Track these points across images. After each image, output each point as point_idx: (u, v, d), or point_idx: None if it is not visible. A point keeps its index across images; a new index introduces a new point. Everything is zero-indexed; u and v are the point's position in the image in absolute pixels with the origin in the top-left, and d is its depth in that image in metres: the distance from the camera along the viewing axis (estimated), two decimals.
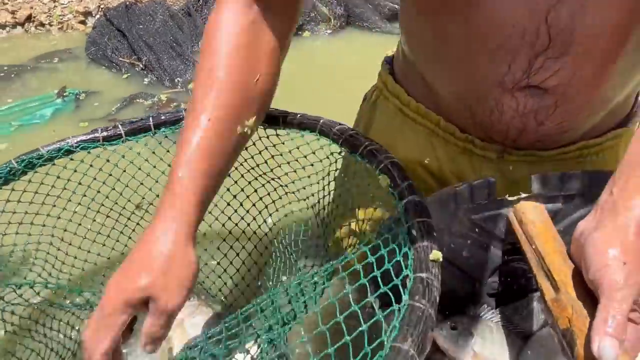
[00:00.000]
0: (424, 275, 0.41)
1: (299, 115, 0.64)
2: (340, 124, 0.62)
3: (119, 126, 0.67)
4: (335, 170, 0.70)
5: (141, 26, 2.09)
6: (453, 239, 0.62)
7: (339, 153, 0.63)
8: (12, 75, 1.96)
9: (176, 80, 1.87)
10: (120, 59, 1.99)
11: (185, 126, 0.55)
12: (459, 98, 0.66)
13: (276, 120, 0.65)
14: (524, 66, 0.59)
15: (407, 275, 0.41)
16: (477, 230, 0.63)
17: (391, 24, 2.36)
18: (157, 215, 0.51)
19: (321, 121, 0.62)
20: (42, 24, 2.39)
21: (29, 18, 2.39)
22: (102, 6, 2.42)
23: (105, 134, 0.67)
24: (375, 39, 2.31)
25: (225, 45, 0.58)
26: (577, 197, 0.60)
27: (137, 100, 1.75)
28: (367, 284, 0.44)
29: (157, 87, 1.86)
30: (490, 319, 0.59)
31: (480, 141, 0.69)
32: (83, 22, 2.40)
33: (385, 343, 0.37)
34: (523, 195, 0.61)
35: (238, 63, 0.57)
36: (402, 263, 0.43)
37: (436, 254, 0.44)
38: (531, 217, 0.57)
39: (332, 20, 2.30)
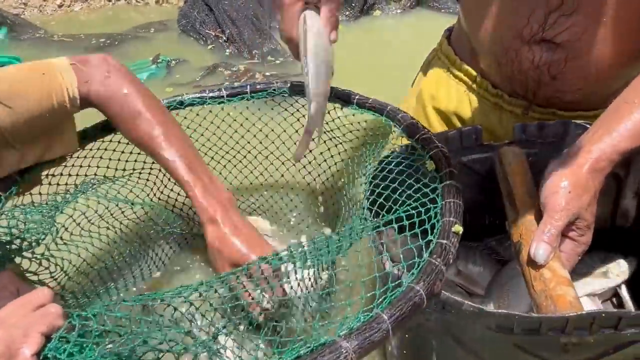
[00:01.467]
0: (444, 241, 0.53)
1: (370, 100, 0.78)
2: (403, 112, 0.74)
3: (222, 89, 0.86)
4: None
5: (226, 1, 2.29)
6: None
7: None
8: (116, 43, 2.24)
9: (254, 52, 2.06)
10: (207, 31, 2.21)
11: None
12: (490, 51, 0.79)
13: (350, 101, 0.79)
14: (540, 20, 0.70)
15: (431, 240, 0.53)
16: (465, 170, 0.76)
17: None
18: None
19: (388, 107, 0.76)
20: None
21: None
22: None
23: (211, 94, 0.86)
24: (444, 20, 2.37)
25: None
26: (553, 143, 0.71)
27: (219, 69, 1.97)
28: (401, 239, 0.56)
29: (237, 58, 2.07)
30: (476, 246, 0.72)
31: (508, 96, 0.81)
32: None
33: (404, 283, 0.48)
34: (506, 141, 0.73)
35: None
36: (428, 230, 0.54)
37: (457, 228, 0.54)
38: (509, 158, 0.69)
39: (402, 0, 2.38)
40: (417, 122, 0.72)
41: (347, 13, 2.31)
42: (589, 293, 0.73)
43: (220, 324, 0.58)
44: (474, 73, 0.85)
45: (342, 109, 0.83)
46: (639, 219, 0.76)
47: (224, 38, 2.17)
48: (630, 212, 0.77)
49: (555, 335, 0.50)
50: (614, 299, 0.76)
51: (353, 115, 0.84)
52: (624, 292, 0.74)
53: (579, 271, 0.70)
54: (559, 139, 0.72)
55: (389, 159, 0.69)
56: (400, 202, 0.62)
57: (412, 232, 0.56)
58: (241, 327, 0.65)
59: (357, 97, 0.80)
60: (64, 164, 0.78)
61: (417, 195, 0.60)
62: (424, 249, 0.52)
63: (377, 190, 0.65)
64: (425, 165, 0.64)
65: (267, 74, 1.91)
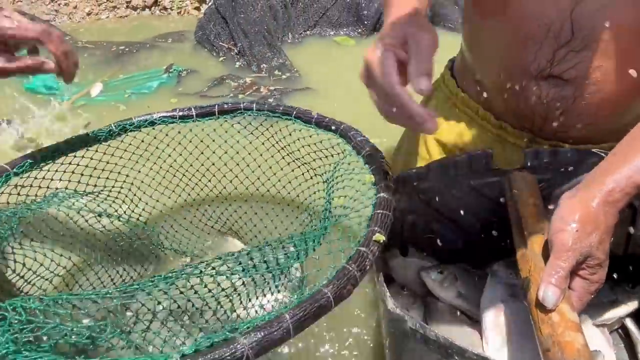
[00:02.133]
0: (363, 249, 0.56)
1: (327, 119, 0.83)
2: (355, 130, 0.79)
3: (192, 109, 0.89)
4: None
5: (242, 15, 2.35)
6: (453, 199, 0.75)
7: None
8: (134, 51, 2.33)
9: (262, 66, 2.11)
10: (220, 43, 2.28)
11: None
12: (494, 85, 0.77)
13: (310, 122, 0.84)
14: (548, 56, 0.68)
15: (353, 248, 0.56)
16: (475, 193, 0.75)
17: None
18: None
19: (342, 126, 0.80)
20: (165, 8, 2.77)
21: (155, 2, 2.78)
22: None
23: (180, 113, 0.89)
24: (456, 39, 2.36)
25: None
26: (566, 171, 0.69)
27: (226, 81, 2.02)
28: None
29: (245, 71, 2.12)
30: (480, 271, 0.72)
31: (512, 128, 0.79)
32: (197, 9, 2.74)
33: (316, 285, 0.51)
34: (517, 167, 0.71)
35: None
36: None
37: (379, 237, 0.57)
38: (519, 185, 0.67)
39: None
40: (366, 139, 0.75)
41: (360, 30, 2.34)
42: (598, 324, 0.70)
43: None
44: (477, 105, 0.83)
45: (300, 130, 0.86)
46: None
47: (236, 51, 2.22)
48: None
49: None
50: (619, 330, 0.74)
51: (317, 134, 0.86)
52: (629, 322, 0.72)
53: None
54: (575, 167, 0.69)
55: (344, 174, 0.73)
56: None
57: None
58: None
59: (315, 117, 0.83)
60: (33, 176, 0.82)
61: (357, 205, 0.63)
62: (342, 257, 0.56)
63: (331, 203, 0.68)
64: (365, 178, 0.68)
65: (272, 88, 1.95)
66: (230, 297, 0.65)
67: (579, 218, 0.53)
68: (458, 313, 0.74)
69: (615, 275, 0.70)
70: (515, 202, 0.66)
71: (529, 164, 0.72)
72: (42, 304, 0.51)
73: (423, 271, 0.75)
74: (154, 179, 0.98)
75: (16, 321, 0.48)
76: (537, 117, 0.74)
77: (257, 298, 0.68)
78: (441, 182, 0.74)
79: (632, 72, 0.66)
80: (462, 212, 0.76)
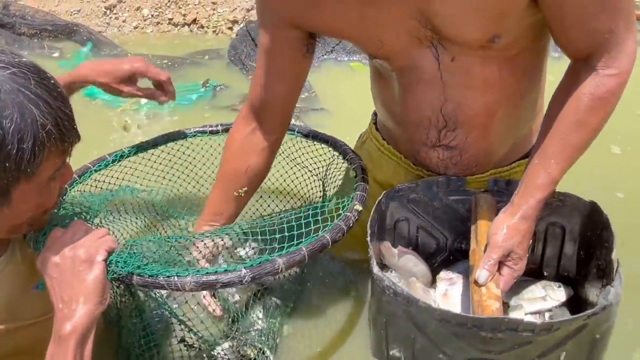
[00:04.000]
0: (348, 213, 0.89)
1: (322, 134, 1.18)
2: (342, 142, 1.14)
3: (219, 125, 1.23)
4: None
5: None
6: (434, 210, 1.04)
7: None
8: (175, 65, 2.69)
9: None
10: (250, 63, 2.63)
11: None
12: (406, 149, 1.09)
13: (307, 136, 1.18)
14: (435, 135, 0.98)
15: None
16: (451, 206, 1.03)
17: None
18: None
19: (334, 140, 1.15)
20: (202, 27, 3.14)
21: (194, 21, 3.15)
22: (246, 17, 3.10)
23: (211, 128, 1.23)
24: None
25: (231, 146, 1.06)
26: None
27: None
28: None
29: None
30: (456, 270, 1.01)
31: (426, 171, 1.08)
32: (230, 29, 3.10)
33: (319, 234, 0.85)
34: (482, 189, 1.01)
35: (235, 159, 1.04)
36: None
37: (357, 207, 0.89)
38: (481, 202, 0.96)
39: None
40: (348, 147, 1.10)
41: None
42: (532, 312, 0.92)
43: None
44: (399, 154, 1.12)
45: (302, 141, 1.21)
46: (575, 259, 0.98)
47: None
48: (571, 255, 0.99)
49: (478, 330, 0.71)
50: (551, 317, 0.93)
51: (314, 144, 1.20)
52: (557, 310, 0.94)
53: (524, 296, 0.95)
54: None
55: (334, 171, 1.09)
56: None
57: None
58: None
59: (313, 131, 1.18)
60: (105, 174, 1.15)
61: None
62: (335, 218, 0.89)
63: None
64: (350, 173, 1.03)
65: None
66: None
67: (506, 227, 0.84)
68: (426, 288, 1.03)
69: (545, 273, 0.99)
70: (476, 216, 0.95)
71: (490, 189, 1.01)
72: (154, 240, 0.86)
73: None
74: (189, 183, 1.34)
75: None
76: (440, 168, 1.04)
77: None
78: (426, 195, 1.03)
79: (490, 137, 0.97)
80: (441, 220, 1.06)
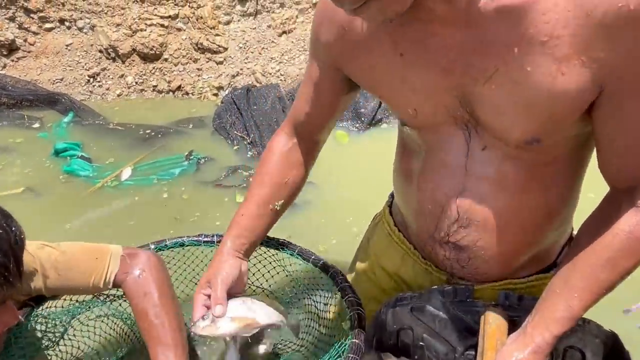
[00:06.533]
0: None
1: (321, 261, 1.08)
2: (341, 276, 1.05)
3: (215, 236, 1.15)
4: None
5: (255, 107, 2.68)
6: (440, 320, 0.95)
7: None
8: (159, 135, 2.65)
9: None
10: (235, 132, 2.59)
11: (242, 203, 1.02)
12: (416, 241, 1.03)
13: (283, 247, 1.10)
14: (445, 228, 0.91)
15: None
16: (458, 318, 0.95)
17: None
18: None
19: (333, 269, 1.06)
20: (186, 93, 3.12)
21: (178, 87, 3.13)
22: (232, 83, 3.09)
23: (206, 239, 1.14)
24: None
25: (271, 158, 1.02)
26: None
27: (239, 170, 2.32)
28: None
29: (256, 161, 2.42)
30: None
31: (434, 267, 1.01)
32: (215, 95, 3.08)
33: None
34: (492, 302, 0.93)
35: (275, 171, 1.01)
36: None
37: None
38: (490, 319, 0.88)
39: None
40: (349, 285, 1.02)
41: (357, 125, 2.65)
42: None
43: None
44: (409, 244, 1.05)
45: (299, 264, 1.13)
46: None
47: (248, 141, 2.54)
48: None
49: None
50: None
51: (312, 270, 1.12)
52: None
53: None
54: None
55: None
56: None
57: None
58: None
59: (313, 257, 1.10)
60: None
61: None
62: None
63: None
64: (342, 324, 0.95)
65: None
66: None
67: (516, 358, 0.78)
68: None
69: None
70: (484, 334, 0.87)
71: (500, 303, 0.92)
72: None
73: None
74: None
75: None
76: (447, 267, 0.97)
77: None
78: (430, 305, 0.94)
79: (505, 244, 0.90)
80: (447, 331, 0.97)
